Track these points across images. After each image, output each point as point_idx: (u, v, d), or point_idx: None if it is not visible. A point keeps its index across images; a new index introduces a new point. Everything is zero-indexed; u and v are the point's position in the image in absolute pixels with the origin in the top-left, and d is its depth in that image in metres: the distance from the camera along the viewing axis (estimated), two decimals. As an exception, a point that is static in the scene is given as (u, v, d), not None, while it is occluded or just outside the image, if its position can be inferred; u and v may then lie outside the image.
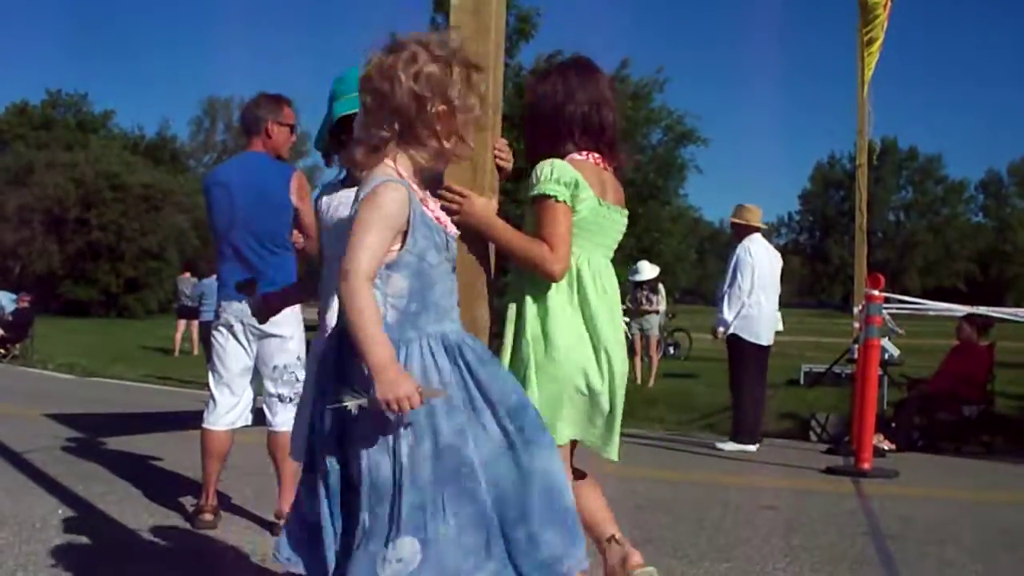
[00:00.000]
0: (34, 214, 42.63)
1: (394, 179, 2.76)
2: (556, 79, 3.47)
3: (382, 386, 2.60)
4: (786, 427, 11.36)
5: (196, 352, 19.94)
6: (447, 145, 2.82)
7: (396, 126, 2.77)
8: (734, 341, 9.65)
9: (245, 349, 5.53)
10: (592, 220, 3.34)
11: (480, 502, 2.74)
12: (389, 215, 2.71)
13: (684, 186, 48.41)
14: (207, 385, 5.70)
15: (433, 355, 2.78)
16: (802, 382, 14.90)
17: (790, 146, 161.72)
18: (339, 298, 2.70)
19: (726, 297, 9.66)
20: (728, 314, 9.59)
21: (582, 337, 3.31)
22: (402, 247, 2.76)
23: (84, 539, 5.15)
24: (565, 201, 3.24)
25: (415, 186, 2.83)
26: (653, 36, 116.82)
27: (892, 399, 11.27)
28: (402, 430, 2.71)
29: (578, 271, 3.33)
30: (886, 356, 10.50)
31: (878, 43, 11.97)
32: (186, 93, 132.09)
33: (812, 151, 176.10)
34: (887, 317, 10.19)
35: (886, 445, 9.52)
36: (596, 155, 3.43)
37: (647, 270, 17.71)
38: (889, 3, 11.80)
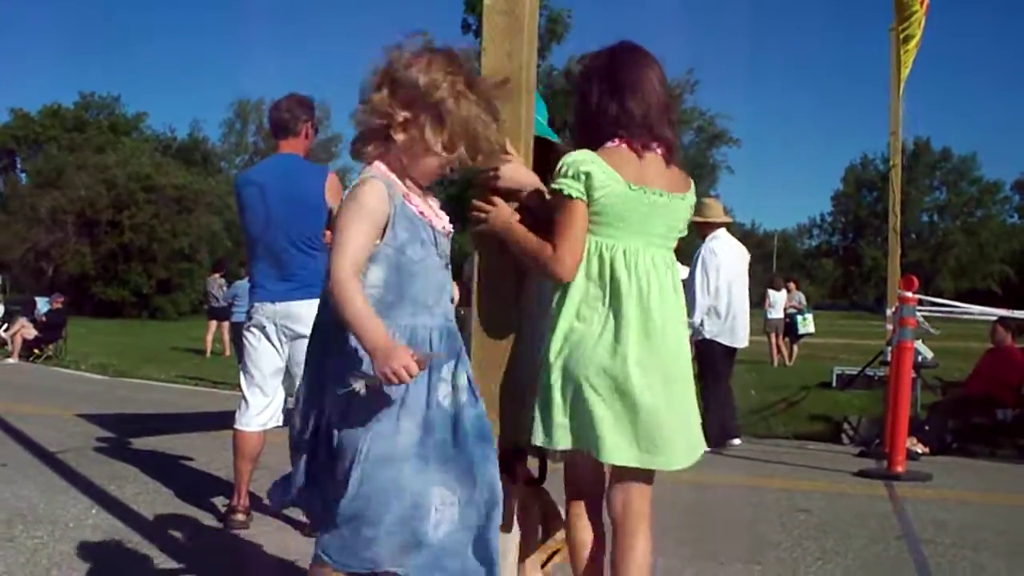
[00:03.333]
0: (67, 216, 42.98)
1: (373, 176, 2.89)
2: (584, 72, 3.43)
3: (380, 362, 2.69)
4: (818, 429, 11.28)
5: (228, 353, 20.02)
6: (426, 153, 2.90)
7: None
8: (707, 346, 9.37)
9: (277, 350, 5.54)
10: (620, 207, 3.21)
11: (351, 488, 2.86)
12: (368, 211, 2.83)
13: (716, 187, 48.51)
14: (239, 386, 5.73)
15: None
16: (834, 384, 14.83)
17: (822, 147, 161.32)
18: (330, 294, 2.79)
19: (695, 300, 9.24)
20: (696, 318, 9.23)
21: (602, 332, 3.22)
22: (382, 240, 2.85)
23: (117, 539, 5.19)
24: (571, 195, 3.16)
25: (399, 181, 2.92)
26: (684, 37, 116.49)
27: (925, 402, 11.19)
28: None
29: (607, 260, 3.24)
30: (919, 358, 10.42)
31: (915, 41, 11.84)
32: (217, 95, 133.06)
33: (844, 152, 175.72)
34: (920, 319, 10.11)
35: (919, 448, 9.44)
36: (627, 141, 3.27)
37: (679, 271, 17.62)
38: (927, 0, 11.67)
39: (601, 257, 3.22)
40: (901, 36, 11.77)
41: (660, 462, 3.22)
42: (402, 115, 2.84)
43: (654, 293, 3.24)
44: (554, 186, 3.19)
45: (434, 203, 3.05)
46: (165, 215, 43.46)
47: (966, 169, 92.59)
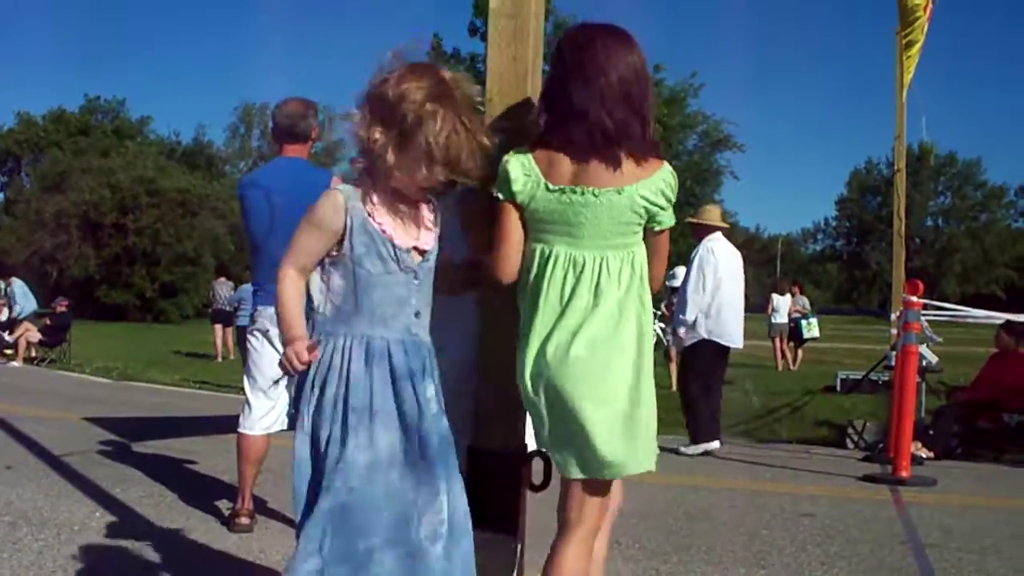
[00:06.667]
0: (71, 219, 42.96)
1: (337, 187, 3.04)
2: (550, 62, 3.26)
3: (283, 356, 2.98)
4: (823, 434, 11.28)
5: (232, 357, 20.05)
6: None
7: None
8: (701, 345, 9.47)
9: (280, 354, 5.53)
10: (542, 208, 3.10)
11: (337, 497, 2.87)
12: (319, 220, 2.99)
13: (720, 192, 48.43)
14: (243, 390, 5.72)
15: (350, 353, 2.95)
16: (838, 389, 14.81)
17: (827, 151, 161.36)
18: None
19: (688, 298, 9.47)
20: (690, 315, 9.42)
21: (523, 337, 3.15)
22: (340, 250, 2.97)
23: (121, 542, 5.19)
24: (499, 197, 3.12)
25: (368, 195, 2.98)
26: (689, 41, 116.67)
27: (930, 406, 11.17)
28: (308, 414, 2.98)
29: (529, 265, 3.15)
30: (924, 363, 10.40)
31: (918, 46, 11.83)
32: (222, 100, 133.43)
33: (849, 156, 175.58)
34: (925, 324, 10.09)
35: (924, 453, 9.43)
36: (550, 135, 3.12)
37: (683, 275, 17.58)
38: (930, 5, 11.65)
39: (531, 261, 3.15)
40: (904, 42, 11.76)
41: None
42: (372, 131, 2.88)
43: (565, 297, 3.10)
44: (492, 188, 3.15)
45: (426, 215, 3.07)
46: (169, 219, 43.48)
47: (971, 173, 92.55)
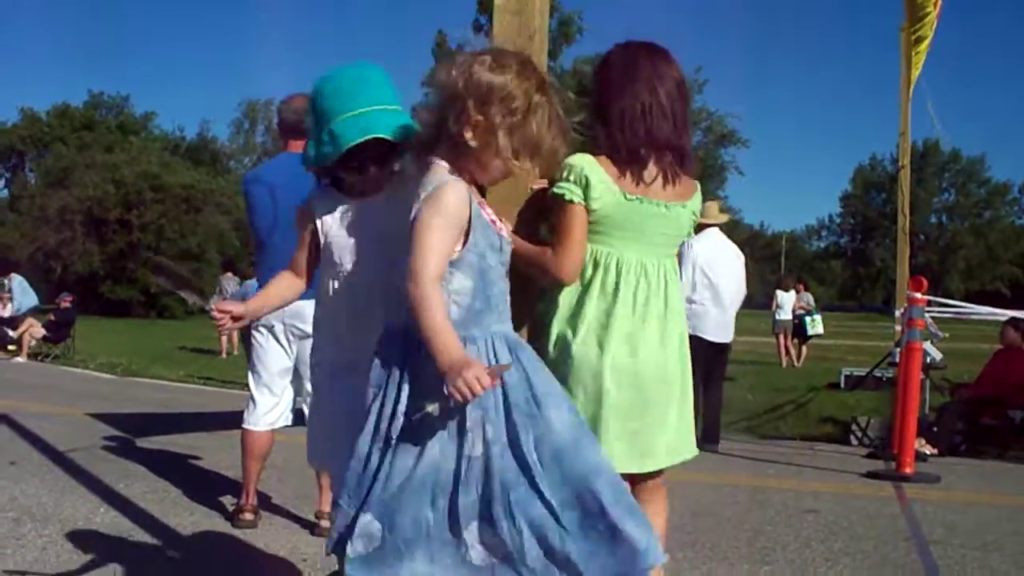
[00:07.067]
0: (75, 215, 42.90)
1: (454, 178, 2.78)
2: (594, 72, 3.40)
3: (453, 382, 2.57)
4: (827, 431, 11.26)
5: (236, 352, 20.04)
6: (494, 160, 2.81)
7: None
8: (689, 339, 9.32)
9: (285, 350, 5.54)
10: (616, 215, 3.20)
11: (567, 487, 2.76)
12: (452, 214, 2.73)
13: (724, 188, 48.46)
14: (247, 386, 5.72)
15: (495, 353, 2.79)
16: (842, 385, 14.81)
17: (831, 148, 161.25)
18: (409, 300, 2.67)
19: None
20: None
21: (588, 334, 3.22)
22: (465, 245, 2.77)
23: (126, 537, 5.20)
24: (572, 200, 3.14)
25: (472, 187, 2.84)
26: (693, 36, 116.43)
27: (934, 403, 11.16)
28: (479, 425, 2.73)
29: (600, 267, 3.25)
30: (928, 360, 10.39)
31: (926, 42, 11.80)
32: (226, 96, 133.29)
33: (853, 153, 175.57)
34: (929, 321, 10.08)
35: (928, 449, 9.42)
36: (626, 150, 3.23)
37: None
38: (939, 1, 11.60)
39: (595, 264, 3.24)
40: (913, 37, 11.73)
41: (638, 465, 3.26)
42: (477, 117, 2.74)
43: (640, 302, 3.25)
44: (554, 190, 3.18)
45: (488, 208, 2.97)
46: (173, 214, 43.43)
47: (975, 170, 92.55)
